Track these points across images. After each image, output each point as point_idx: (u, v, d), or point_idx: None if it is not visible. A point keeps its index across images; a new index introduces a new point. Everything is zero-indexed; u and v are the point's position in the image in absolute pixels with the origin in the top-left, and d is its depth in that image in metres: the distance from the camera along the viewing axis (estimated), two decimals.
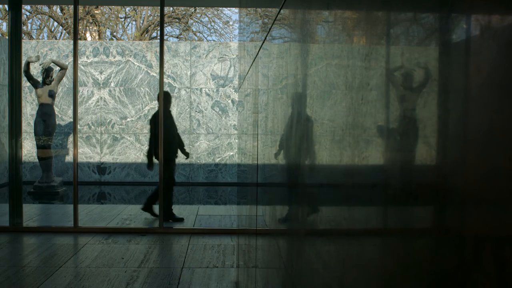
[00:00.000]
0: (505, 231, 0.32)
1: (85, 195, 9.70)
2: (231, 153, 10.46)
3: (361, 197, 0.64)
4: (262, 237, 2.02)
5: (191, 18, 17.60)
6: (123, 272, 4.08)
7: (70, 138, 10.41)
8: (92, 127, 10.55)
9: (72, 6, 5.65)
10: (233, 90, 10.44)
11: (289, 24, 1.28)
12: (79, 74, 8.99)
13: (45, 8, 16.79)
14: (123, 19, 18.04)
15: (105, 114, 10.55)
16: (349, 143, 0.68)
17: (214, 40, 17.80)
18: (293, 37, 1.21)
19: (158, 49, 10.41)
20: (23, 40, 9.43)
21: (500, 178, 0.33)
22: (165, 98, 5.82)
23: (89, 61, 10.55)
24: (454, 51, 0.41)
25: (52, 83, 8.95)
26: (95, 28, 16.98)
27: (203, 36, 18.16)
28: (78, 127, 10.03)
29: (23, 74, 7.06)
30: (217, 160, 10.58)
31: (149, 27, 17.33)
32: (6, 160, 6.69)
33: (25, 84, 9.02)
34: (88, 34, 16.95)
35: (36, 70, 9.70)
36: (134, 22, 17.98)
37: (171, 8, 16.55)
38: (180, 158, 10.68)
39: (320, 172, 0.88)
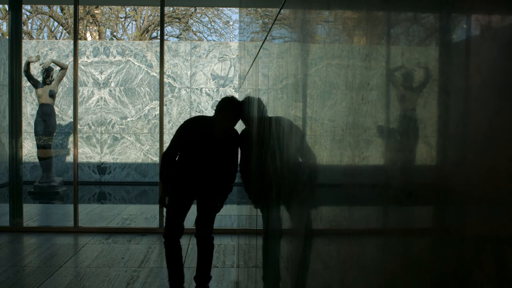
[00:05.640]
0: (505, 231, 0.32)
1: (85, 195, 9.70)
2: None
3: (361, 197, 0.64)
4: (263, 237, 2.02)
5: (191, 18, 17.61)
6: (123, 272, 4.08)
7: (70, 138, 10.41)
8: (92, 127, 10.55)
9: (72, 6, 5.65)
10: (234, 90, 10.43)
11: (290, 24, 1.27)
12: (79, 74, 8.99)
13: (45, 8, 16.79)
14: (123, 19, 18.04)
15: (105, 114, 10.55)
16: (349, 143, 0.68)
17: (214, 40, 17.80)
18: (293, 37, 1.21)
19: (158, 49, 10.41)
20: (23, 40, 9.43)
21: (500, 178, 0.33)
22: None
23: (89, 61, 10.55)
24: (454, 51, 0.41)
25: (52, 83, 8.96)
26: (95, 28, 16.98)
27: (203, 36, 18.17)
28: (78, 127, 10.03)
29: (23, 74, 7.06)
30: None
31: (149, 27, 17.33)
32: (7, 160, 6.69)
33: (25, 84, 9.02)
34: (88, 34, 16.95)
35: (36, 70, 9.70)
36: (134, 22, 17.99)
37: (171, 8, 16.55)
38: None
39: (320, 172, 0.88)
